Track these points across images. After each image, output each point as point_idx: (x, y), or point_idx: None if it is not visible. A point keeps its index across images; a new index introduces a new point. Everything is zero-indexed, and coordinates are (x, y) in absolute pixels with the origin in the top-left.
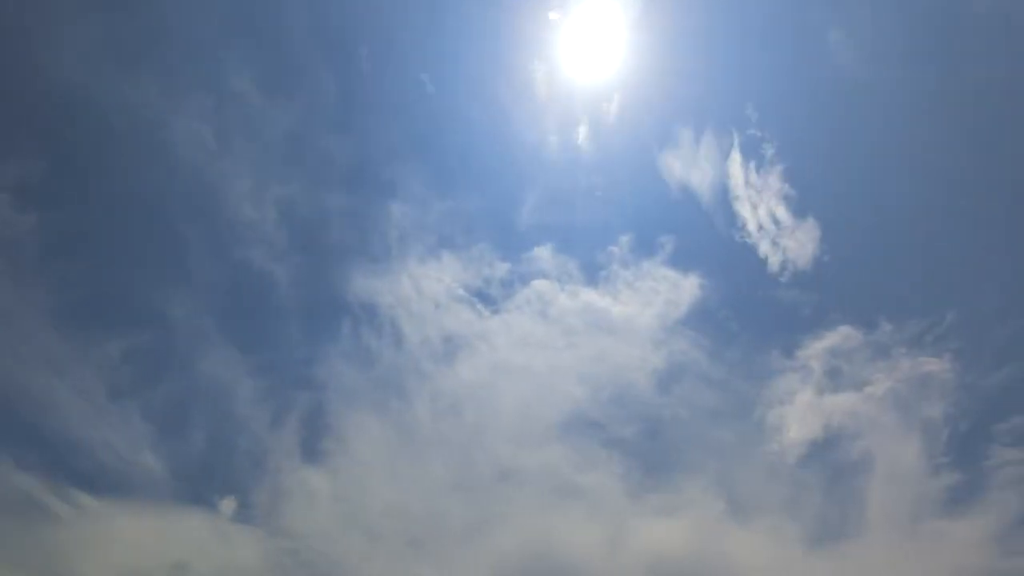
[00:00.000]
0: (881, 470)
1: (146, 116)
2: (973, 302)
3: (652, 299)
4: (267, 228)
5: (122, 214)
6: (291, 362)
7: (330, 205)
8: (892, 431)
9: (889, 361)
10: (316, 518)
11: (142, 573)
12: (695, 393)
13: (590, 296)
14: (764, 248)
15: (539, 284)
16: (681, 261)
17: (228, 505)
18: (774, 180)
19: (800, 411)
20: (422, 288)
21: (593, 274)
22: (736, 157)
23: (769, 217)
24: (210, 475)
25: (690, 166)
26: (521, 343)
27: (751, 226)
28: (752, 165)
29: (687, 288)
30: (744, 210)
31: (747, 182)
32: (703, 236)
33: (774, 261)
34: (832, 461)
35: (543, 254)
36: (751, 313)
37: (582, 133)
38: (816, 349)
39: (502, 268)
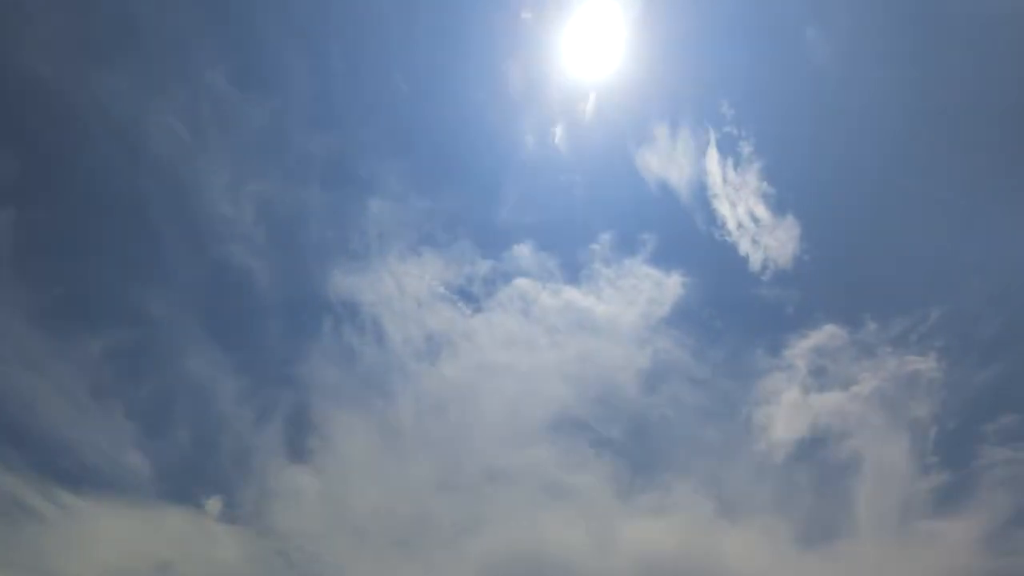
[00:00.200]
0: (869, 470)
1: (121, 112)
2: (958, 299)
3: (635, 298)
4: (245, 225)
5: (98, 211)
6: (273, 360)
7: (309, 202)
8: (880, 430)
9: (875, 360)
10: (302, 518)
11: (127, 573)
12: (681, 392)
13: (572, 294)
14: (745, 246)
15: (521, 283)
16: (663, 259)
17: (213, 504)
18: (752, 178)
19: (787, 410)
20: (404, 286)
21: (574, 272)
22: (713, 154)
23: (748, 215)
24: (195, 474)
25: (667, 163)
26: (505, 342)
27: (731, 224)
28: (730, 162)
29: (670, 286)
30: (723, 208)
31: (725, 180)
32: (683, 234)
33: (755, 259)
34: (820, 461)
35: (523, 252)
36: (734, 312)
37: (559, 131)
38: (801, 348)
39: (484, 266)
